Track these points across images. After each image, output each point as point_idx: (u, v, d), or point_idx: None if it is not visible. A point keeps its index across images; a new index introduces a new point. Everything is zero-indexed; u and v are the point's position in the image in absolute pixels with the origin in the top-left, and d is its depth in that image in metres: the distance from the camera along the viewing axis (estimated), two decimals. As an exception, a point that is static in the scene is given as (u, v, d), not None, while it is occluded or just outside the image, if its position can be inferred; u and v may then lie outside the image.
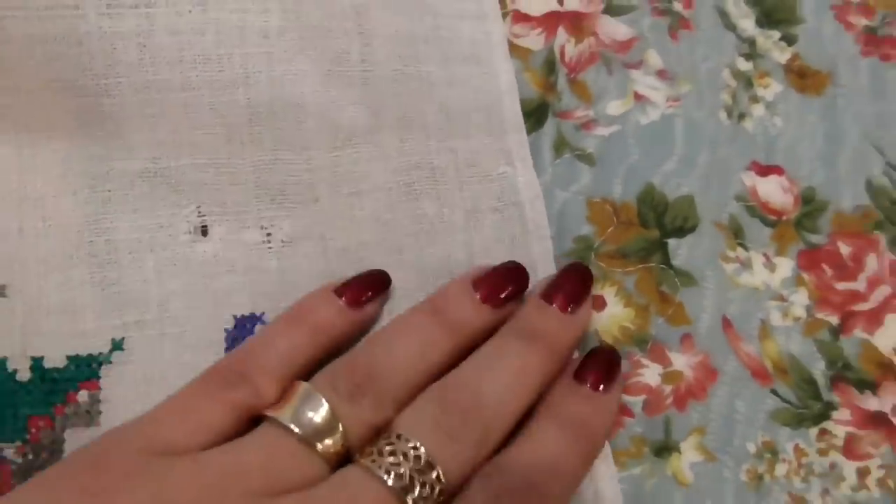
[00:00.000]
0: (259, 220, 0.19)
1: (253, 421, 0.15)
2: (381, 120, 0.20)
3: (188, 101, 0.19)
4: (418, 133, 0.20)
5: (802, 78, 0.24)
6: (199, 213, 0.19)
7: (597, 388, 0.16)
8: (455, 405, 0.15)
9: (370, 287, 0.18)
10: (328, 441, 0.15)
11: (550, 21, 0.22)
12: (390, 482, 0.14)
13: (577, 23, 0.22)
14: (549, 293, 0.17)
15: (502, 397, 0.16)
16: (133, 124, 0.19)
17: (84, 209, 0.19)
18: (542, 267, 0.19)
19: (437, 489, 0.14)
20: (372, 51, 0.20)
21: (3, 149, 0.19)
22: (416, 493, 0.14)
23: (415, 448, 0.14)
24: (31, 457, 0.17)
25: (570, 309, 0.17)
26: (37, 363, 0.17)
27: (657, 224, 0.21)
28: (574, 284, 0.17)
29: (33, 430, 0.17)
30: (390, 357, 0.16)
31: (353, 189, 0.20)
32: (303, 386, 0.15)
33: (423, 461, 0.14)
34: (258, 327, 0.18)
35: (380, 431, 0.15)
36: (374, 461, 0.14)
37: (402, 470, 0.14)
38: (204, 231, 0.19)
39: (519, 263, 0.18)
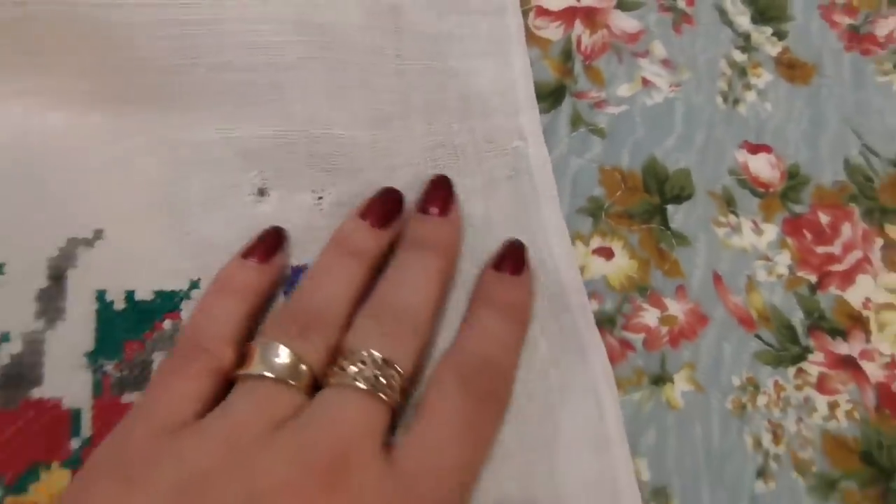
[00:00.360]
0: (311, 185, 0.22)
1: (228, 383, 0.18)
2: (410, 106, 0.24)
3: (251, 80, 0.23)
4: (442, 117, 0.24)
5: (791, 69, 0.27)
6: (261, 177, 0.22)
7: (515, 273, 0.20)
8: (385, 313, 0.19)
9: (271, 243, 0.21)
10: (297, 376, 0.18)
11: (568, 15, 0.26)
12: (362, 386, 0.17)
13: (591, 17, 0.26)
14: (424, 206, 0.21)
15: (418, 296, 0.19)
16: (205, 100, 0.22)
17: (164, 169, 0.22)
18: (553, 224, 0.22)
19: (398, 379, 0.18)
20: (404, 47, 0.24)
21: (95, 117, 0.22)
22: (385, 385, 0.17)
23: (369, 354, 0.18)
24: (126, 373, 0.20)
25: (443, 213, 0.21)
26: (129, 296, 0.21)
27: (658, 191, 0.24)
28: (440, 193, 0.21)
29: (128, 352, 0.20)
30: (321, 295, 0.19)
31: (388, 163, 0.23)
32: (259, 342, 0.18)
33: (380, 361, 0.18)
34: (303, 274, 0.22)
35: (335, 357, 0.18)
36: (341, 378, 0.17)
37: (367, 374, 0.17)
38: (263, 192, 0.22)
39: (391, 187, 0.21)
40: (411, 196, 0.22)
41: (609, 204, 0.24)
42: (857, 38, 0.28)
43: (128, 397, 0.20)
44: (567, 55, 0.25)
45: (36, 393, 0.19)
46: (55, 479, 0.18)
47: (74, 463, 0.19)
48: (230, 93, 0.23)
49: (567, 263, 0.22)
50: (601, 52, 0.26)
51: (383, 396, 0.17)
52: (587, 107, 0.25)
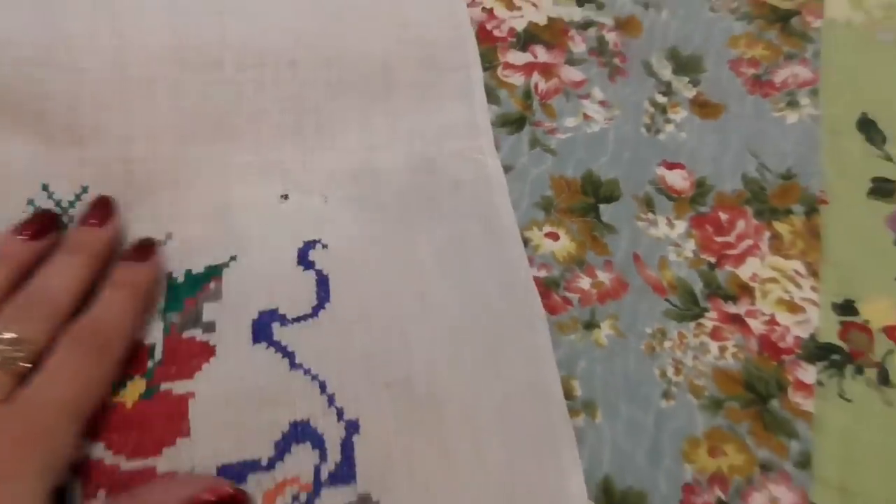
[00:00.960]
0: (321, 192, 0.31)
1: None
2: (399, 133, 0.33)
3: (276, 122, 0.32)
4: (425, 141, 0.33)
5: (703, 107, 0.37)
6: (284, 187, 0.32)
7: (136, 260, 0.27)
8: (26, 300, 0.24)
9: (40, 224, 0.26)
10: None
11: (528, 68, 0.36)
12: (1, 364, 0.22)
13: (546, 69, 0.36)
14: (85, 218, 0.27)
15: (58, 285, 0.25)
16: (248, 132, 0.32)
17: (217, 183, 0.31)
18: (504, 212, 0.31)
19: (23, 352, 0.23)
20: (394, 92, 0.33)
21: (163, 148, 0.31)
22: (12, 359, 0.23)
23: (7, 334, 0.23)
24: (185, 319, 0.28)
25: (101, 224, 0.27)
26: (188, 272, 0.29)
27: (593, 194, 0.33)
28: (99, 209, 0.27)
29: (187, 306, 0.29)
30: None
31: (386, 210, 0.32)
32: None
33: (11, 339, 0.23)
34: (317, 246, 0.30)
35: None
36: None
37: (2, 350, 0.23)
38: (286, 197, 0.32)
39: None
40: (399, 194, 0.31)
41: (557, 202, 0.33)
42: (759, 84, 0.38)
43: (186, 334, 0.27)
44: (528, 95, 0.35)
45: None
46: (137, 385, 0.27)
47: (149, 375, 0.27)
48: (264, 129, 0.32)
49: (512, 232, 0.31)
50: (554, 94, 0.35)
51: (10, 369, 0.23)
52: (542, 133, 0.34)
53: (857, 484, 0.28)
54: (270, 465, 0.24)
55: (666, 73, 0.37)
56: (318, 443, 0.25)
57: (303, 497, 0.24)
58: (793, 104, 0.37)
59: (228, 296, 0.28)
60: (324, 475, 0.24)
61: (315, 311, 0.28)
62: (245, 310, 0.28)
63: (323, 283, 0.29)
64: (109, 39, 0.30)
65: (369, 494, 0.24)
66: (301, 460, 0.24)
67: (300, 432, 0.25)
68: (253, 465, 0.24)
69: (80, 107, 0.29)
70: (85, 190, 0.29)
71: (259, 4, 0.33)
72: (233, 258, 0.29)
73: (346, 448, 0.25)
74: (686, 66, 0.38)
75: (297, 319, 0.27)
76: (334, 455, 0.25)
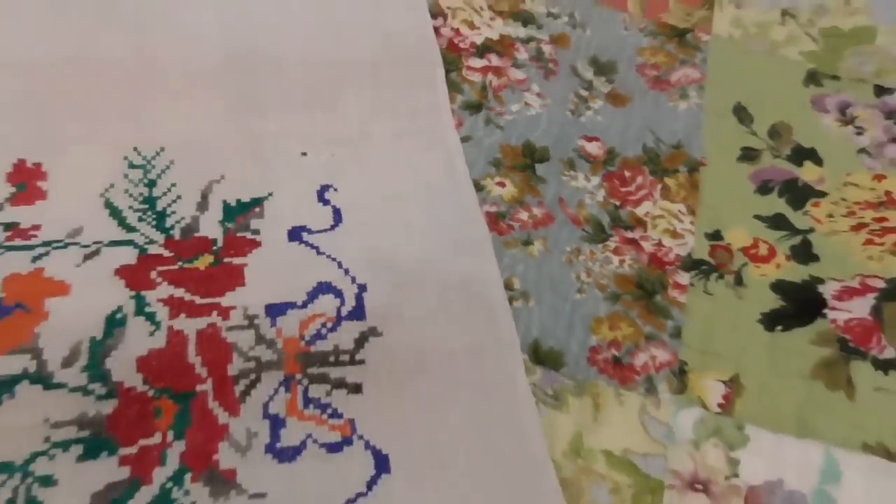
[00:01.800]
0: (330, 151, 0.45)
1: None
2: (383, 112, 0.46)
3: (298, 103, 0.46)
4: (402, 117, 0.46)
5: (615, 99, 0.51)
6: (303, 147, 0.45)
7: None
8: None
9: None
10: None
11: (485, 70, 0.50)
12: None
13: (497, 71, 0.50)
14: None
15: None
16: (276, 110, 0.46)
17: (255, 145, 0.44)
18: (462, 177, 0.45)
19: None
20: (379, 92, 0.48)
21: (237, 138, 0.46)
22: None
23: None
24: (238, 227, 0.42)
25: None
26: (238, 200, 0.43)
27: (530, 157, 0.47)
28: None
29: (237, 220, 0.42)
30: None
31: (377, 164, 0.45)
32: None
33: None
34: (330, 190, 0.44)
35: None
36: None
37: None
38: (305, 154, 0.45)
39: None
40: (386, 174, 0.45)
41: (504, 161, 0.47)
42: (659, 82, 0.52)
43: (239, 235, 0.40)
44: (484, 88, 0.49)
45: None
46: (206, 259, 0.39)
47: (215, 253, 0.39)
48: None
49: (465, 179, 0.44)
50: (503, 88, 0.50)
51: None
52: (494, 115, 0.49)
53: (711, 346, 0.42)
54: (304, 305, 0.37)
55: (588, 74, 0.52)
56: (338, 294, 0.38)
57: (328, 325, 0.37)
58: (684, 96, 0.52)
59: (268, 216, 0.41)
60: (343, 313, 0.37)
61: (332, 227, 0.41)
62: (281, 224, 0.41)
63: (337, 213, 0.42)
64: (183, 46, 0.45)
65: (376, 327, 0.37)
66: (326, 304, 0.38)
67: (325, 287, 0.38)
68: (291, 305, 0.37)
69: (160, 93, 0.43)
70: (162, 149, 0.42)
71: (284, 27, 0.48)
72: (270, 194, 0.42)
73: (359, 299, 0.38)
74: (603, 68, 0.52)
75: (320, 231, 0.41)
76: (350, 302, 0.38)
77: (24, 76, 0.40)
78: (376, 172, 0.44)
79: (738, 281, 0.44)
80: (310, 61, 0.46)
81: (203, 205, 0.40)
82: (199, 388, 0.32)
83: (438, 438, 0.35)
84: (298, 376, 0.34)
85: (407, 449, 0.34)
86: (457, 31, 0.51)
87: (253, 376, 0.34)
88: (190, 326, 0.34)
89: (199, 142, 0.43)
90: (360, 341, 0.37)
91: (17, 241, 0.36)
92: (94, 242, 0.36)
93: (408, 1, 0.50)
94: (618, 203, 0.46)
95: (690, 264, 0.44)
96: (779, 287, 0.44)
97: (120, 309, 0.34)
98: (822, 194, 0.47)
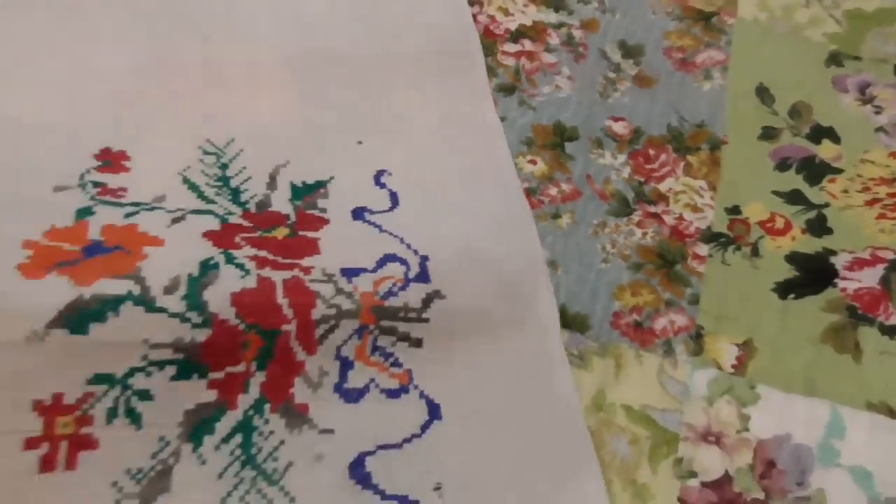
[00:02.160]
0: (383, 139, 0.49)
1: None
2: (430, 100, 0.50)
3: (352, 99, 0.50)
4: (447, 103, 0.50)
5: (642, 80, 0.54)
6: (359, 135, 0.49)
7: None
8: None
9: None
10: None
11: (518, 55, 0.54)
12: None
13: (530, 56, 0.54)
14: None
15: None
16: (335, 106, 0.50)
17: (317, 135, 0.49)
18: (504, 159, 0.48)
19: None
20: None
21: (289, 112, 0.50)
22: None
23: None
24: (307, 205, 0.47)
25: None
26: (304, 182, 0.48)
27: (560, 136, 0.51)
28: None
29: (305, 199, 0.47)
30: None
31: (427, 149, 0.49)
32: None
33: None
34: (385, 174, 0.48)
35: None
36: None
37: None
38: (360, 143, 0.49)
39: None
40: (426, 147, 0.49)
41: (536, 140, 0.51)
42: (685, 65, 0.55)
43: (308, 212, 0.45)
44: (517, 72, 0.53)
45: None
46: (281, 231, 0.42)
47: (290, 227, 0.44)
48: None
49: (508, 161, 0.48)
50: (535, 71, 0.53)
51: None
52: (527, 97, 0.52)
53: (726, 312, 0.45)
54: (374, 270, 0.41)
55: (616, 57, 0.55)
56: (404, 262, 0.41)
57: (398, 286, 0.40)
58: (708, 77, 0.55)
59: (332, 197, 0.45)
60: (410, 276, 0.41)
61: (391, 209, 0.45)
62: (344, 205, 0.45)
63: (393, 196, 0.46)
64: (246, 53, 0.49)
65: (440, 290, 0.41)
66: (394, 269, 0.41)
67: (391, 257, 0.42)
68: (362, 270, 0.41)
69: (227, 91, 0.47)
70: (232, 140, 0.47)
71: (334, 27, 0.52)
72: (332, 178, 0.46)
73: (422, 267, 0.41)
74: (631, 52, 0.55)
75: (380, 212, 0.45)
76: (415, 269, 0.41)
77: (109, 81, 0.45)
78: (426, 157, 0.48)
79: (755, 252, 0.47)
80: (360, 56, 0.50)
81: (272, 185, 0.44)
82: (284, 327, 0.36)
83: (483, 393, 0.40)
84: (371, 326, 0.38)
85: (456, 400, 0.39)
86: (492, 17, 0.54)
87: (333, 322, 0.38)
88: (276, 276, 0.38)
89: (265, 132, 0.47)
90: (427, 301, 0.40)
91: (109, 198, 0.40)
92: (178, 209, 0.40)
93: None
94: (642, 179, 0.50)
95: (709, 237, 0.48)
96: (793, 258, 0.47)
97: (213, 258, 0.38)
98: (839, 171, 0.50)
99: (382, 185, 0.46)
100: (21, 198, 0.38)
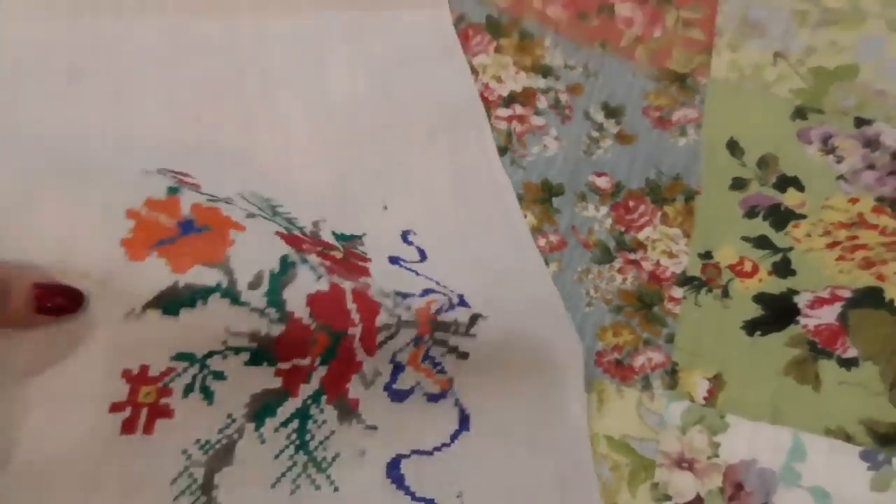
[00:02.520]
0: (404, 202, 0.55)
1: None
2: (441, 164, 0.57)
3: (375, 167, 0.57)
4: (459, 164, 0.57)
5: (623, 138, 0.60)
6: (384, 201, 0.55)
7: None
8: None
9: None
10: None
11: (510, 118, 0.60)
12: None
13: (521, 118, 0.60)
14: (50, 295, 0.32)
15: None
16: (361, 177, 0.56)
17: (351, 201, 0.55)
18: (516, 215, 0.54)
19: None
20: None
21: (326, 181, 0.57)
22: None
23: None
24: (348, 247, 0.53)
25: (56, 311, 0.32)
26: (342, 232, 0.54)
27: (548, 192, 0.57)
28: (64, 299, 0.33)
29: (347, 245, 0.53)
30: None
31: (445, 209, 0.56)
32: None
33: None
34: (411, 234, 0.54)
35: None
36: None
37: None
38: (386, 208, 0.55)
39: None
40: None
41: (526, 196, 0.56)
42: (662, 122, 0.61)
43: (353, 251, 0.51)
44: (509, 135, 0.59)
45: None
46: (338, 253, 0.48)
47: (344, 255, 0.49)
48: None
49: (521, 223, 0.54)
50: (525, 133, 0.59)
51: None
52: (518, 157, 0.58)
53: (699, 349, 0.50)
54: (421, 296, 0.45)
55: (599, 117, 0.61)
56: (445, 295, 0.46)
57: (445, 306, 0.44)
58: (683, 133, 0.60)
59: (369, 245, 0.50)
60: (454, 302, 0.45)
61: (421, 261, 0.50)
62: (379, 255, 0.49)
63: (421, 251, 0.51)
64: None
65: (479, 314, 0.45)
66: (438, 298, 0.45)
67: (432, 290, 0.46)
68: (412, 295, 0.45)
69: (265, 163, 0.53)
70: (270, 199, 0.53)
71: (355, 105, 0.57)
72: (365, 234, 0.51)
73: (462, 299, 0.46)
74: (613, 112, 0.61)
75: (412, 262, 0.49)
76: (454, 299, 0.46)
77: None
78: (445, 215, 0.53)
79: (725, 294, 0.52)
80: (379, 129, 0.56)
81: (316, 227, 0.48)
82: (350, 330, 0.40)
83: (507, 412, 0.45)
84: (426, 337, 0.42)
85: (482, 414, 0.44)
86: (486, 85, 0.61)
87: (393, 330, 0.42)
88: (345, 284, 0.42)
89: (301, 199, 0.51)
90: (473, 320, 0.45)
91: (188, 182, 0.42)
92: (247, 210, 0.43)
93: (455, 72, 0.60)
94: (623, 229, 0.55)
95: (684, 280, 0.53)
96: (760, 298, 0.52)
97: (289, 255, 0.40)
98: (803, 217, 0.56)
99: (410, 243, 0.51)
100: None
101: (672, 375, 0.49)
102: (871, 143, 0.60)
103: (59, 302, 0.31)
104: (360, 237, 0.51)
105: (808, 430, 0.47)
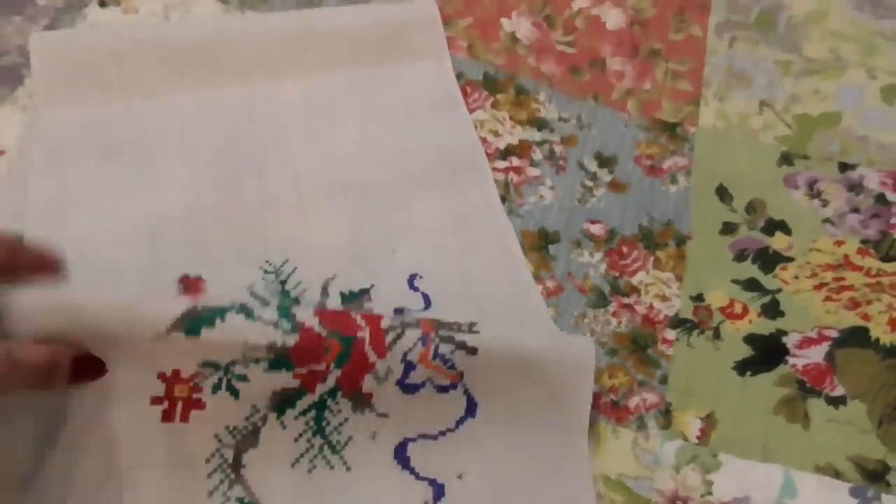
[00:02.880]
0: (412, 247, 0.58)
1: None
2: (447, 210, 0.60)
3: (378, 221, 0.60)
4: (461, 207, 0.60)
5: (616, 187, 0.63)
6: (392, 247, 0.58)
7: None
8: None
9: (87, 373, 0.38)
10: None
11: (507, 170, 0.63)
12: None
13: (517, 170, 0.63)
14: (82, 366, 0.38)
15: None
16: (369, 225, 0.60)
17: (359, 251, 0.58)
18: (519, 259, 0.57)
19: None
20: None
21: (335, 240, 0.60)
22: None
23: None
24: (355, 307, 0.56)
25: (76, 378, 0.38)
26: (350, 290, 0.57)
27: (545, 240, 0.60)
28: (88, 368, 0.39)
29: (354, 303, 0.56)
30: None
31: (449, 252, 0.59)
32: None
33: None
34: (417, 277, 0.57)
35: None
36: None
37: None
38: (394, 251, 0.58)
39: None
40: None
41: (523, 244, 0.59)
42: (653, 170, 0.64)
43: (360, 311, 0.54)
44: (507, 185, 0.62)
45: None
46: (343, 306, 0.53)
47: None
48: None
49: (523, 268, 0.57)
50: (522, 183, 0.62)
51: None
52: (515, 206, 0.61)
53: (692, 389, 0.52)
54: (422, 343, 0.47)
55: (593, 167, 0.64)
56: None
57: (436, 340, 0.45)
58: (674, 181, 0.63)
59: (376, 300, 0.53)
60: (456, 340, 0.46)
61: (425, 308, 0.53)
62: (387, 307, 0.52)
63: (426, 298, 0.54)
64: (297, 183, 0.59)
65: (470, 342, 0.47)
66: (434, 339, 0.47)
67: (426, 338, 0.47)
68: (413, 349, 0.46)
69: (279, 221, 0.57)
70: (287, 260, 0.55)
71: (362, 157, 0.61)
72: (372, 285, 0.54)
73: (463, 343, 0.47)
74: (606, 162, 0.64)
75: (418, 311, 0.52)
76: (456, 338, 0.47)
77: (180, 218, 0.54)
78: (450, 259, 0.56)
79: (716, 335, 0.55)
80: (386, 177, 0.59)
81: (324, 294, 0.52)
82: (359, 334, 0.44)
83: (513, 401, 0.48)
84: (432, 335, 0.45)
85: (491, 402, 0.48)
86: (484, 139, 0.64)
87: (399, 331, 0.45)
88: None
89: (314, 252, 0.55)
90: (473, 323, 0.48)
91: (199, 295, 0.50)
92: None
93: (458, 119, 0.64)
94: (617, 274, 0.58)
95: (676, 323, 0.55)
96: (750, 339, 0.54)
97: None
98: (790, 259, 0.58)
99: (416, 289, 0.54)
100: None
101: (666, 415, 0.51)
102: (855, 187, 0.62)
103: (90, 374, 0.39)
104: (368, 291, 0.54)
105: (798, 468, 0.49)
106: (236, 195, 0.57)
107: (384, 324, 0.46)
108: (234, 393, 0.43)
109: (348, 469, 0.45)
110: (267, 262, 0.54)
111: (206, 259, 0.53)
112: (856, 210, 0.61)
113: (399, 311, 0.52)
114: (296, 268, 0.54)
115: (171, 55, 0.62)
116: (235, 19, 0.68)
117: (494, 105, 0.66)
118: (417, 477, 0.45)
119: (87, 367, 0.38)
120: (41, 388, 0.35)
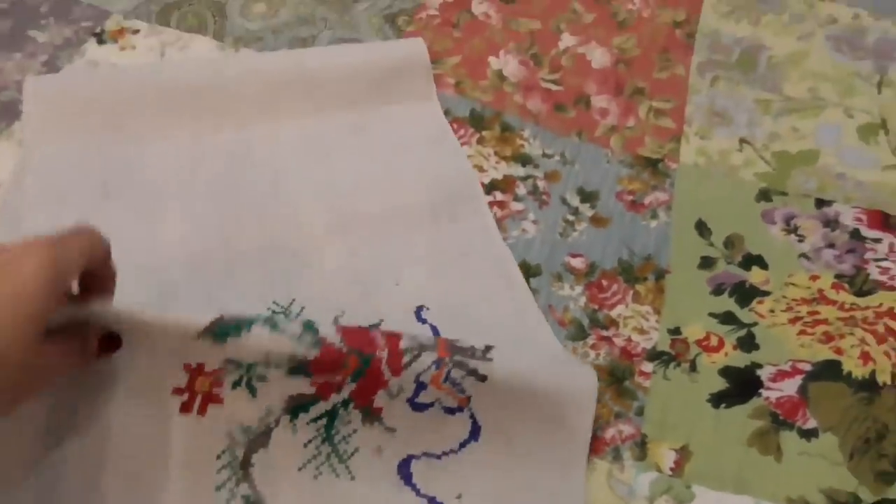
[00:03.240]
0: (414, 279, 0.59)
1: None
2: (447, 241, 0.61)
3: (378, 254, 0.62)
4: (460, 240, 0.61)
5: (597, 221, 0.65)
6: (395, 280, 0.59)
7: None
8: None
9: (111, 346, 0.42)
10: None
11: (491, 204, 0.65)
12: None
13: (501, 204, 0.65)
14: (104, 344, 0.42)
15: None
16: (371, 261, 0.61)
17: (364, 288, 0.60)
18: (519, 283, 0.59)
19: None
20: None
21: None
22: None
23: None
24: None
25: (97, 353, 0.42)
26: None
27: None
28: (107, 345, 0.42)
29: None
30: None
31: (452, 281, 0.60)
32: None
33: None
34: (423, 309, 0.58)
35: None
36: None
37: None
38: (398, 284, 0.59)
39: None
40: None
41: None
42: (634, 205, 0.66)
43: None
44: (499, 223, 0.64)
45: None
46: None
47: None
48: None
49: (524, 290, 0.58)
50: (506, 218, 0.64)
51: None
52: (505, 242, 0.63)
53: (668, 420, 0.53)
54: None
55: (575, 202, 0.66)
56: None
57: (449, 365, 0.47)
58: (654, 216, 0.65)
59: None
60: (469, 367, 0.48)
61: (434, 337, 0.54)
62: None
63: (434, 329, 0.55)
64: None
65: (493, 345, 0.49)
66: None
67: (441, 362, 0.48)
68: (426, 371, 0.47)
69: (284, 262, 0.58)
70: (294, 300, 0.56)
71: (364, 190, 0.62)
72: (381, 321, 0.55)
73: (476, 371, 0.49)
74: (588, 197, 0.66)
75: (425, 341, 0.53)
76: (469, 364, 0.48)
77: (181, 265, 0.55)
78: (453, 288, 0.57)
79: (693, 368, 0.56)
80: (385, 210, 0.61)
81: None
82: (377, 353, 0.46)
83: (515, 428, 0.49)
84: (446, 359, 0.47)
85: (494, 428, 0.49)
86: (469, 174, 0.66)
87: (416, 353, 0.47)
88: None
89: (320, 290, 0.56)
90: (488, 348, 0.49)
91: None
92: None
93: (449, 151, 0.66)
94: (596, 307, 0.59)
95: (654, 355, 0.57)
96: (725, 372, 0.55)
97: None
98: (766, 293, 0.59)
99: (424, 321, 0.55)
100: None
101: (642, 447, 0.52)
102: (831, 223, 0.64)
103: (112, 348, 0.43)
104: (377, 326, 0.54)
105: (770, 500, 0.50)
106: (238, 237, 0.59)
107: (403, 344, 0.47)
108: (252, 391, 0.44)
109: (353, 479, 0.46)
110: (274, 302, 0.55)
111: (211, 301, 0.54)
112: (831, 245, 0.62)
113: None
114: (303, 307, 0.55)
115: (167, 98, 0.64)
116: (230, 60, 0.71)
117: (480, 141, 0.68)
118: (418, 493, 0.47)
119: (110, 345, 0.42)
120: (76, 366, 0.40)
